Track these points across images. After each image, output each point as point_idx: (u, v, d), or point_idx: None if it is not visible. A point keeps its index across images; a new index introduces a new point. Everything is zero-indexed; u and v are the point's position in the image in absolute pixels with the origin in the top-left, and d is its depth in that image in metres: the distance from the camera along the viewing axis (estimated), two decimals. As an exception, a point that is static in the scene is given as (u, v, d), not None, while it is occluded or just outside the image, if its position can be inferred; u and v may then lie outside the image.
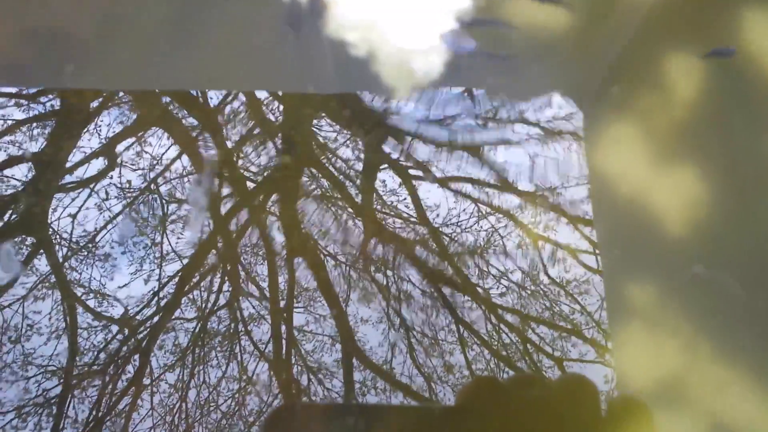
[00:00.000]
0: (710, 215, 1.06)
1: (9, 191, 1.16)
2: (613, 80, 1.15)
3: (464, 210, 1.24)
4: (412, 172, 1.24)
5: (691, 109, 1.13)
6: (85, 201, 1.17)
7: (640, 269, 1.06)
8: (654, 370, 0.99)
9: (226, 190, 1.21)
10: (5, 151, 1.18)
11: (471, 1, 1.12)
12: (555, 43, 1.17)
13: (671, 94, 1.14)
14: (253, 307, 1.15)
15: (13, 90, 1.20)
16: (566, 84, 1.22)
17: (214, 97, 1.24)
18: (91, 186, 1.18)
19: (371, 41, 1.09)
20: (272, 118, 1.25)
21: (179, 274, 1.16)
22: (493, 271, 1.21)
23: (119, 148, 1.21)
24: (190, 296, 1.15)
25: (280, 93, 1.26)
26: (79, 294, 1.12)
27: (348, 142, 1.24)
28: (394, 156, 1.24)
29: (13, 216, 1.15)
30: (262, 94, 1.26)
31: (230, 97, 1.24)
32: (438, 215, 1.23)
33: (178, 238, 1.17)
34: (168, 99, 1.24)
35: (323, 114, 1.25)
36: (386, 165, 1.24)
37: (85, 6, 1.18)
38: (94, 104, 1.21)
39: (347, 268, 1.18)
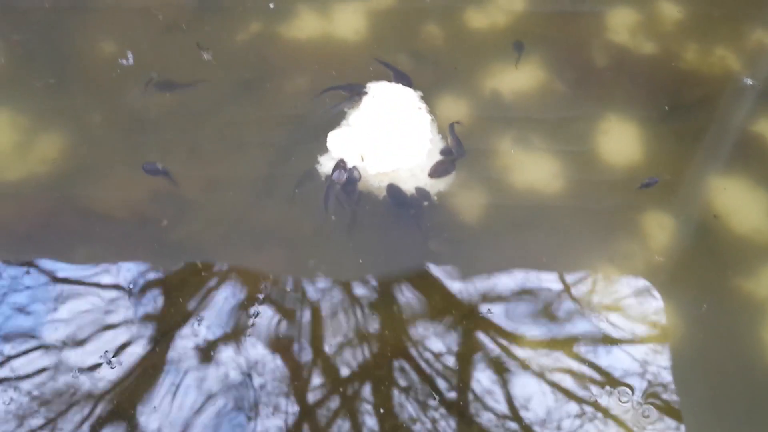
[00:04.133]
0: None
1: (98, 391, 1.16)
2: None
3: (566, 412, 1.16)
4: (509, 366, 1.19)
5: None
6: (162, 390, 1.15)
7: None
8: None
9: (317, 380, 1.17)
10: (99, 355, 1.19)
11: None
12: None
13: None
14: None
15: (123, 284, 1.26)
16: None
17: (310, 288, 1.27)
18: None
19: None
20: (364, 311, 1.26)
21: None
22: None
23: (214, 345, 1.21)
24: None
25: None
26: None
27: (440, 332, 1.22)
28: (489, 349, 1.21)
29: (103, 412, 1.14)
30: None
31: (321, 286, 1.27)
32: (536, 415, 1.15)
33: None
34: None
35: (414, 300, 1.26)
36: (480, 357, 1.20)
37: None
38: (193, 304, 1.24)
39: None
